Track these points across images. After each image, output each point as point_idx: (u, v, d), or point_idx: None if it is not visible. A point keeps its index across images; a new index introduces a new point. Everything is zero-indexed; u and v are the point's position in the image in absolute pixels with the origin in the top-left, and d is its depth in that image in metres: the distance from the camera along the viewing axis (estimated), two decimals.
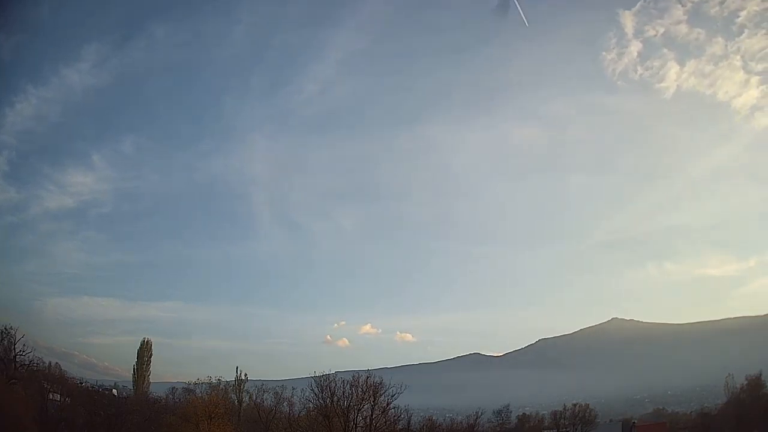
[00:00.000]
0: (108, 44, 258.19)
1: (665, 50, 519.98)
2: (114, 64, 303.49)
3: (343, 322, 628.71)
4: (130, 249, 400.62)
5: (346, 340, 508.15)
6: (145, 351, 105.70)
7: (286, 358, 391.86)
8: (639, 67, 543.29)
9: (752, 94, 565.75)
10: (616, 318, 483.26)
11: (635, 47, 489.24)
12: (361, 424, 60.22)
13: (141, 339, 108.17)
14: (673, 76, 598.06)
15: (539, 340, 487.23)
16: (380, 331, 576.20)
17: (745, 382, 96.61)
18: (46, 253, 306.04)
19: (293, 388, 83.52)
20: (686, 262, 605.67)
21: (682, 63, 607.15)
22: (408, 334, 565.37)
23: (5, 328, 64.14)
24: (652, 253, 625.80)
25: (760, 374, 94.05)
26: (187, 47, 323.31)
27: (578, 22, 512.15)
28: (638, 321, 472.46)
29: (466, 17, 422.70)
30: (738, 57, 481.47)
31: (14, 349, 62.90)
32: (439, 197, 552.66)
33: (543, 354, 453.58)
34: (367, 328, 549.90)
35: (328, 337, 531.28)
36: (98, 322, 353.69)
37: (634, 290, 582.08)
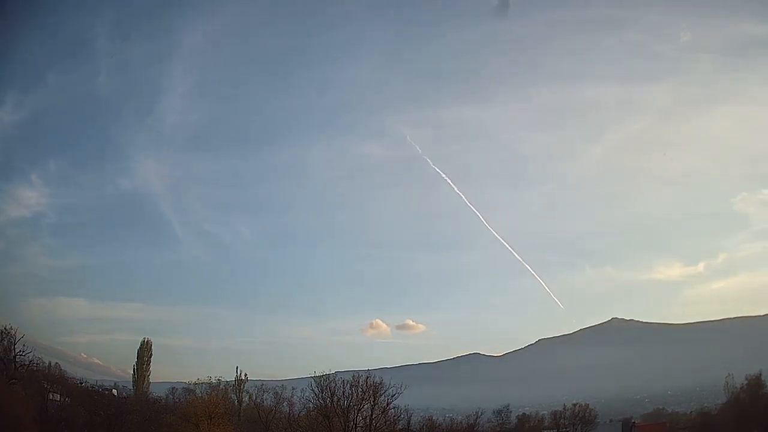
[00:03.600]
0: (18, 91, 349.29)
1: None
2: (26, 106, 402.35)
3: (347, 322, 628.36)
4: (87, 254, 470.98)
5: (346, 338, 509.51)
6: (145, 351, 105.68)
7: (276, 357, 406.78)
8: None
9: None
10: (616, 318, 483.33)
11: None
12: (361, 424, 60.28)
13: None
14: None
15: (539, 340, 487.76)
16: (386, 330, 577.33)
17: (745, 382, 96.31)
18: (19, 257, 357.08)
19: (293, 388, 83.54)
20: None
21: None
22: (416, 335, 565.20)
23: (5, 328, 64.17)
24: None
25: (760, 374, 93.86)
26: (69, 89, 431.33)
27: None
28: (638, 321, 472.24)
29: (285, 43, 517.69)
30: None
31: (14, 349, 62.81)
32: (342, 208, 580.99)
33: (543, 354, 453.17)
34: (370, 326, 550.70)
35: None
36: (78, 321, 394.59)
37: (634, 290, 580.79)
